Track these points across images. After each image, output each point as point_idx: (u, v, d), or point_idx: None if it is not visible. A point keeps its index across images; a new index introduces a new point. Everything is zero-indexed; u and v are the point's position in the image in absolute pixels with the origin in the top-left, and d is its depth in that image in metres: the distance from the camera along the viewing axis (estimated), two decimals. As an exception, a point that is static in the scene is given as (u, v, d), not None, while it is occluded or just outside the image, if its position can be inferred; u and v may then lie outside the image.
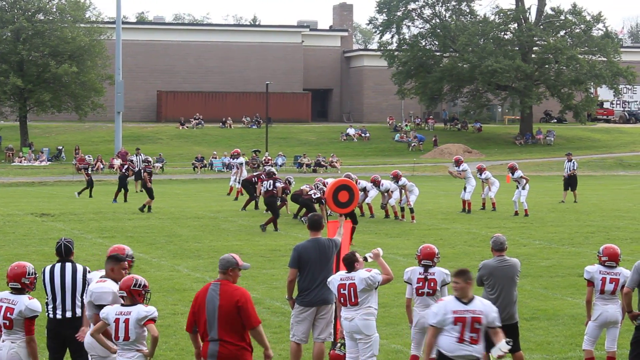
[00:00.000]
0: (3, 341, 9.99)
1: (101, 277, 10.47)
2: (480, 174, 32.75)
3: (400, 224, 28.68)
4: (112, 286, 10.22)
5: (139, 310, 9.71)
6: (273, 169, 29.07)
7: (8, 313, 9.92)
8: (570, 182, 37.21)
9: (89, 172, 41.33)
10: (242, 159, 39.57)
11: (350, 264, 11.44)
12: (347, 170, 56.64)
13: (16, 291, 10.06)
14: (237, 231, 26.96)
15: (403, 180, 29.51)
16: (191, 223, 28.85)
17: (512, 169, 32.22)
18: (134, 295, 9.77)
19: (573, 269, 20.08)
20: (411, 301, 12.00)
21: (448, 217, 30.68)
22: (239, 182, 38.38)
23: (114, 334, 9.75)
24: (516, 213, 31.24)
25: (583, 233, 26.57)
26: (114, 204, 35.50)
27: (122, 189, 37.07)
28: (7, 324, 9.90)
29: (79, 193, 39.65)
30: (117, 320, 9.72)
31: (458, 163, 32.76)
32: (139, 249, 23.00)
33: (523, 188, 31.41)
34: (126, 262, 10.52)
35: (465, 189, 32.02)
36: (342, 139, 76.36)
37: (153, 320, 9.74)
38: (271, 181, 27.83)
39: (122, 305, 9.82)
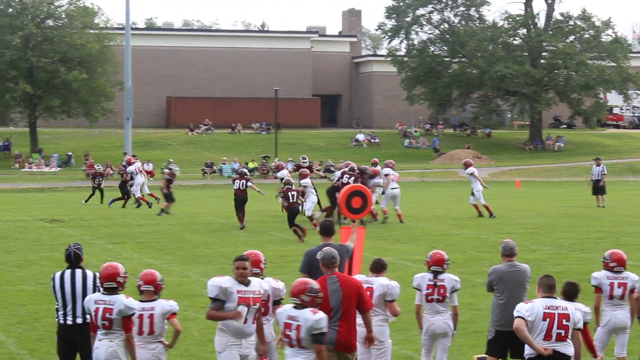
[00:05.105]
0: (100, 340, 10.20)
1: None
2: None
3: (410, 230, 28.65)
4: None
5: (163, 305, 10.22)
6: (290, 179, 29.08)
7: (107, 314, 10.11)
8: (597, 187, 37.14)
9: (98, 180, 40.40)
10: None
11: (381, 267, 11.60)
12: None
13: (110, 291, 10.25)
14: (247, 237, 26.98)
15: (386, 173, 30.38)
16: (201, 229, 28.89)
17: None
18: (158, 289, 10.34)
19: (583, 274, 19.96)
20: (421, 307, 12.00)
21: (458, 223, 30.62)
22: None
23: (138, 329, 10.12)
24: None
25: (593, 239, 26.51)
26: (109, 206, 36.72)
27: (125, 196, 37.65)
28: (107, 324, 10.12)
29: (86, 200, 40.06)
30: (141, 316, 10.14)
31: (466, 166, 32.72)
32: (149, 255, 23.08)
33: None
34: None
35: (473, 193, 31.97)
36: (351, 144, 76.34)
37: (175, 314, 10.31)
38: (294, 193, 27.62)
39: (142, 301, 10.26)
